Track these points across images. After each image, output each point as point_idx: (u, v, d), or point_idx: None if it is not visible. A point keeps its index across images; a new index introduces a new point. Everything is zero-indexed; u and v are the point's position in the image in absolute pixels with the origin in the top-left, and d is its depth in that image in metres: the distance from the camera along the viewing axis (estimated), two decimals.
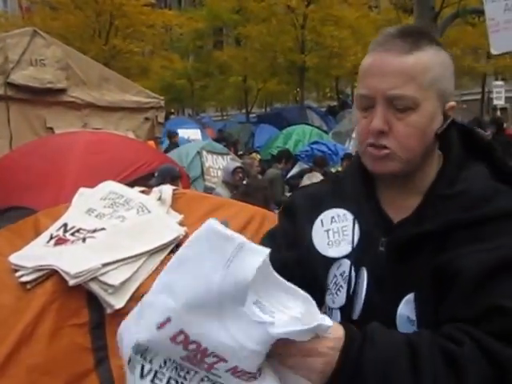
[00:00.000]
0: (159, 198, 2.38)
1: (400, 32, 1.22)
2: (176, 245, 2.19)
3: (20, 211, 5.14)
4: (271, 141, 17.35)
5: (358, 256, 1.27)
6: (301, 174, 9.87)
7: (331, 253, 1.31)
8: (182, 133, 16.66)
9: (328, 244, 1.31)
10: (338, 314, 1.29)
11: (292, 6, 23.41)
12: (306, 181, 7.39)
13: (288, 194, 8.65)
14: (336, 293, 1.29)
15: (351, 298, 1.26)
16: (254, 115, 31.02)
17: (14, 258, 2.07)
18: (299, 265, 1.33)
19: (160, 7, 29.02)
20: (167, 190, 2.44)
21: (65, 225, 2.21)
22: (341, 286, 1.28)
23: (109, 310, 1.91)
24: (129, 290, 1.96)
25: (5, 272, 2.05)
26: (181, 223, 2.23)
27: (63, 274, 1.91)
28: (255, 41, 25.76)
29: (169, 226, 2.19)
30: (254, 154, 13.47)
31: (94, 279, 1.93)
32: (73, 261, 1.96)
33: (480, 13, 11.00)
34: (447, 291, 1.16)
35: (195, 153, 10.47)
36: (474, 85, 28.33)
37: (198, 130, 18.48)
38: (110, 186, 2.48)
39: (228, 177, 7.45)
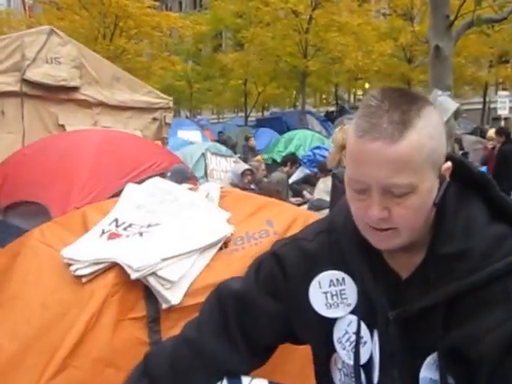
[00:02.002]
0: (207, 196, 2.43)
1: (387, 108, 1.13)
2: (224, 242, 2.25)
3: (33, 206, 5.19)
4: (272, 145, 17.37)
5: (366, 317, 1.29)
6: (305, 180, 9.89)
7: (330, 314, 1.33)
8: (182, 134, 16.70)
9: (326, 305, 1.34)
10: (360, 370, 1.31)
11: (298, 10, 23.47)
12: (321, 185, 7.40)
13: (292, 199, 8.67)
14: (350, 349, 1.31)
15: (370, 361, 1.29)
16: (252, 119, 31.11)
17: (67, 252, 2.09)
18: (281, 318, 1.40)
19: (161, 10, 29.14)
20: (214, 188, 2.49)
21: (116, 220, 2.25)
22: (353, 343, 1.31)
23: (164, 306, 1.94)
24: (184, 286, 1.99)
25: (58, 266, 2.08)
26: (228, 221, 2.27)
27: (126, 268, 1.95)
28: (258, 45, 25.82)
29: (219, 224, 2.22)
30: (259, 157, 13.50)
31: (152, 274, 1.96)
32: (133, 255, 2.00)
33: (495, 22, 10.79)
34: (469, 372, 1.17)
35: (200, 154, 10.49)
36: (474, 94, 28.53)
37: (199, 132, 18.53)
38: (158, 183, 2.52)
39: (237, 179, 7.46)
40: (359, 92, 39.22)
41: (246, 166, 7.82)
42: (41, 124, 7.32)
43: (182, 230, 2.15)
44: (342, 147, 4.28)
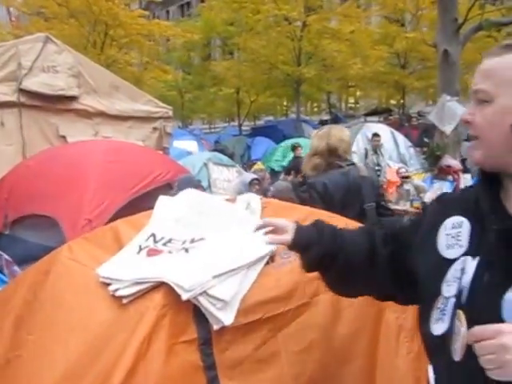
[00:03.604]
0: (246, 207, 2.30)
1: (504, 43, 1.38)
2: (270, 256, 2.09)
3: (41, 219, 5.01)
4: (269, 154, 17.24)
5: (472, 250, 1.38)
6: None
7: (447, 255, 1.43)
8: (178, 144, 16.52)
9: (446, 246, 1.45)
10: (451, 302, 1.36)
11: (291, 17, 23.37)
12: None
13: None
14: (452, 284, 1.38)
15: (463, 285, 1.35)
16: (246, 128, 31.05)
17: (104, 271, 1.96)
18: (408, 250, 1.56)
19: (148, 18, 28.95)
20: (255, 198, 2.36)
21: (153, 235, 2.12)
22: (457, 277, 1.37)
23: (216, 326, 1.80)
24: (235, 304, 1.85)
25: (95, 285, 1.94)
26: None
27: (176, 288, 1.78)
28: (251, 53, 25.69)
29: (264, 237, 2.05)
30: (258, 163, 13.32)
31: (203, 293, 1.81)
32: (181, 273, 1.84)
33: (503, 25, 10.85)
34: None
35: (202, 164, 10.34)
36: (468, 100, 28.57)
37: (195, 142, 18.38)
38: (194, 195, 2.41)
39: (244, 188, 7.27)
40: (351, 100, 39.29)
41: (254, 176, 7.65)
42: (41, 135, 7.14)
43: (227, 245, 2.02)
44: (317, 153, 4.05)
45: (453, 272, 1.40)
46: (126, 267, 1.95)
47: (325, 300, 2.02)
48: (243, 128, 31.89)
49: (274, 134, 21.95)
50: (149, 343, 1.72)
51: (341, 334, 1.99)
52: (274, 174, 14.25)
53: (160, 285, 1.84)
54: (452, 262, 1.41)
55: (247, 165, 16.27)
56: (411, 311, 1.95)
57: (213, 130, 40.12)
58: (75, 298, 1.94)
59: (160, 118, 8.78)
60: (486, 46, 23.91)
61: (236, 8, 25.21)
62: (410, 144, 16.08)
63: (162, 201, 2.39)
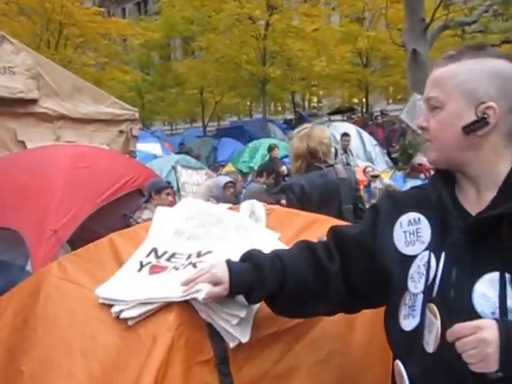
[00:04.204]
0: (250, 215, 2.19)
1: (449, 54, 1.49)
2: None
3: (4, 232, 4.63)
4: (237, 155, 16.97)
5: (436, 246, 1.43)
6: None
7: (408, 251, 1.50)
8: (141, 147, 16.07)
9: (405, 243, 1.51)
10: (419, 298, 1.42)
11: (255, 15, 23.16)
12: None
13: None
14: (418, 280, 1.44)
15: (432, 280, 1.40)
16: (211, 129, 30.79)
17: (104, 292, 1.80)
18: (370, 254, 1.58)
19: (104, 16, 28.30)
20: (259, 206, 2.24)
21: (155, 250, 1.96)
22: (422, 274, 1.43)
23: (232, 344, 1.67)
24: (249, 319, 1.70)
25: (95, 307, 1.77)
26: (279, 241, 2.07)
27: (195, 305, 1.66)
28: (215, 52, 25.36)
29: (271, 246, 1.87)
30: (229, 165, 13.02)
31: (217, 309, 1.67)
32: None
33: (466, 25, 11.16)
34: None
35: (170, 168, 10.00)
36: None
37: (158, 144, 17.91)
38: (194, 204, 2.27)
39: (219, 192, 7.01)
40: (314, 99, 39.45)
41: (228, 178, 7.40)
42: None
43: (236, 256, 1.76)
44: (298, 156, 4.09)
45: (416, 268, 1.46)
46: (129, 286, 1.79)
47: None
48: (207, 129, 31.58)
49: (241, 134, 21.75)
50: (166, 368, 1.58)
51: (357, 342, 1.89)
52: (243, 175, 14.00)
53: (171, 303, 1.69)
54: (413, 258, 1.47)
55: (214, 167, 15.94)
56: None
57: (174, 132, 39.68)
58: (72, 322, 1.77)
59: (126, 120, 8.42)
60: (452, 44, 24.32)
61: (197, 6, 24.89)
62: (375, 142, 16.13)
63: (160, 212, 2.20)
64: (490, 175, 1.42)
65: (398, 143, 8.76)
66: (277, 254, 1.65)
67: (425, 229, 1.48)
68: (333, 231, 1.70)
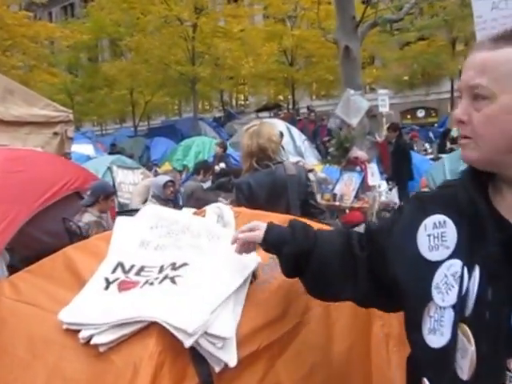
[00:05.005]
0: (218, 220, 2.05)
1: (496, 35, 1.25)
2: (253, 274, 1.87)
3: None
4: (170, 153, 16.91)
5: (468, 256, 1.26)
6: (218, 186, 9.57)
7: (431, 257, 1.34)
8: (74, 148, 15.75)
9: (428, 248, 1.35)
10: (450, 312, 1.27)
11: (183, 17, 23.14)
12: None
13: None
14: (446, 292, 1.29)
15: (464, 296, 1.24)
16: (142, 128, 30.48)
17: (68, 316, 1.61)
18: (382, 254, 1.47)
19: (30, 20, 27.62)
20: (226, 209, 2.10)
21: (120, 264, 1.81)
22: (452, 286, 1.28)
23: (217, 368, 1.54)
24: (233, 340, 1.58)
25: (57, 333, 1.58)
26: None
27: (175, 333, 1.49)
28: (145, 53, 25.17)
29: (248, 255, 1.80)
30: (166, 164, 12.94)
31: (203, 333, 1.54)
32: (175, 311, 1.55)
33: (394, 22, 11.56)
34: None
35: (105, 168, 9.88)
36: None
37: (91, 145, 17.62)
38: (155, 212, 2.09)
39: (158, 191, 7.02)
40: (242, 97, 39.83)
41: (168, 178, 7.41)
42: None
43: (215, 267, 1.74)
44: (249, 154, 3.99)
45: (442, 277, 1.31)
46: (97, 307, 1.62)
47: (315, 317, 1.86)
48: (138, 129, 31.26)
49: (172, 133, 21.71)
50: None
51: (337, 351, 1.84)
52: (178, 173, 14.03)
53: (149, 326, 1.54)
54: (437, 264, 1.33)
55: (148, 166, 15.86)
56: (395, 315, 1.80)
57: (105, 132, 39.10)
58: (32, 351, 1.58)
59: (60, 122, 8.24)
60: (381, 40, 25.00)
61: (125, 8, 24.65)
62: (304, 137, 16.52)
63: (121, 222, 2.04)
64: None
65: (330, 138, 8.95)
66: (316, 229, 1.67)
67: (450, 233, 1.33)
68: (366, 223, 1.71)
